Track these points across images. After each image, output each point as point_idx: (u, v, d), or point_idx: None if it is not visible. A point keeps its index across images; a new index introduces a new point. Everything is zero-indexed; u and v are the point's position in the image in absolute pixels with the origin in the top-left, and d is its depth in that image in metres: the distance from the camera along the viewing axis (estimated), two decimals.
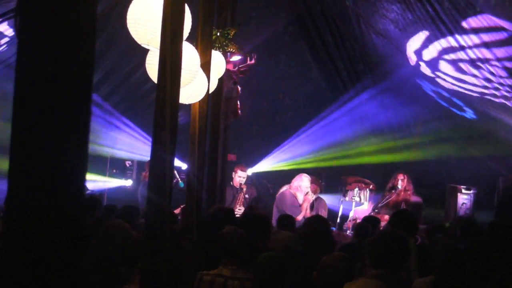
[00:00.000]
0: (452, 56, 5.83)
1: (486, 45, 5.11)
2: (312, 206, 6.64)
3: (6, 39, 5.82)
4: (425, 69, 6.87)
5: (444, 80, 6.67)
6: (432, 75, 6.86)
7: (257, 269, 2.70)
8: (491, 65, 5.40)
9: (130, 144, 8.71)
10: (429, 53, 6.17)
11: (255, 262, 2.73)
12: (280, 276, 2.66)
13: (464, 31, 5.14)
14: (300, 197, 6.57)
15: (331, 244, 3.75)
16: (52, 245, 1.23)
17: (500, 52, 5.12)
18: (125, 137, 8.61)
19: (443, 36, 5.51)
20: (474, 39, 5.14)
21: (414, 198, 6.81)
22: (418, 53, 6.43)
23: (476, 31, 4.99)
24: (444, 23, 5.24)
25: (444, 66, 6.23)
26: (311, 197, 6.61)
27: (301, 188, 6.60)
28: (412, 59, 6.75)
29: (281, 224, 4.66)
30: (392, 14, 6.00)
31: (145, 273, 2.44)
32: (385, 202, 6.85)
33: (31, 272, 1.21)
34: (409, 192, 6.82)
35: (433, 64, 6.42)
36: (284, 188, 6.77)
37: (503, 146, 7.41)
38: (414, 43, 6.26)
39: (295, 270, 3.06)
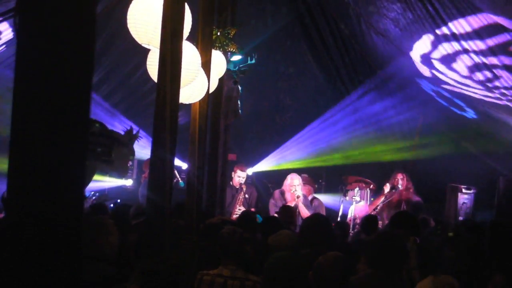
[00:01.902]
0: (455, 58, 5.81)
1: (491, 50, 5.09)
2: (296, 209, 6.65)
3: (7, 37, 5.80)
4: (426, 71, 6.85)
5: (448, 83, 6.65)
6: (430, 76, 6.83)
7: (269, 269, 2.66)
8: (494, 68, 5.39)
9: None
10: (434, 55, 6.13)
11: (267, 262, 2.69)
12: (292, 276, 2.63)
13: (466, 33, 5.13)
14: (288, 196, 6.63)
15: (332, 243, 3.73)
16: (52, 245, 1.23)
17: (502, 54, 5.11)
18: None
19: (446, 38, 5.50)
20: (477, 42, 5.13)
21: (415, 198, 6.81)
22: (425, 57, 6.38)
23: (478, 33, 4.97)
24: (445, 22, 5.24)
25: (447, 68, 6.21)
26: (296, 194, 6.59)
27: (287, 186, 6.71)
28: (417, 62, 6.72)
29: None
30: (393, 14, 6.00)
31: (145, 273, 2.43)
32: (386, 202, 6.85)
33: (31, 272, 1.21)
34: (411, 190, 6.83)
35: (435, 66, 6.40)
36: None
37: (504, 146, 7.40)
38: (420, 47, 6.21)
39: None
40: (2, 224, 1.24)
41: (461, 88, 6.56)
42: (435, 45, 5.87)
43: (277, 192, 6.89)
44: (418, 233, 4.02)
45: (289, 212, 5.45)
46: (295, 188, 6.61)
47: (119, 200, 7.20)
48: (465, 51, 5.46)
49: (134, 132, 3.56)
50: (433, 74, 6.73)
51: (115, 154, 3.34)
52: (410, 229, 3.79)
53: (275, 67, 9.20)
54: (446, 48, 5.72)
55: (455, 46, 5.52)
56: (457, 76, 6.25)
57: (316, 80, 9.28)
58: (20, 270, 1.21)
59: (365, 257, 2.96)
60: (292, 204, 6.51)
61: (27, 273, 1.21)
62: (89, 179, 3.37)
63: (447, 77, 6.49)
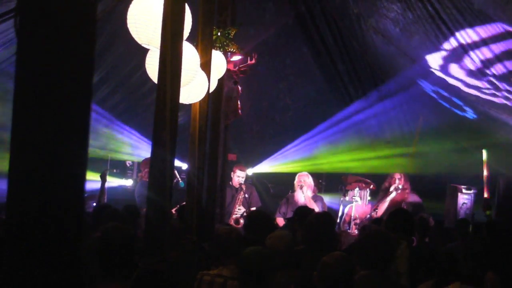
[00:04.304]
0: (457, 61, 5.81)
1: (494, 52, 5.09)
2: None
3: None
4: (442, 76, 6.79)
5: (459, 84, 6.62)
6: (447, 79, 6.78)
7: (243, 262, 2.74)
8: (496, 70, 5.38)
9: (130, 144, 8.71)
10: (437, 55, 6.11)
11: (241, 255, 2.77)
12: (266, 270, 2.70)
13: (466, 33, 5.13)
14: (297, 196, 6.67)
15: (335, 243, 3.72)
16: (52, 245, 1.23)
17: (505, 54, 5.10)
18: (125, 137, 8.62)
19: (444, 37, 5.50)
20: (478, 42, 5.12)
21: (414, 198, 6.81)
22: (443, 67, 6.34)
23: (480, 34, 4.97)
24: (444, 22, 5.24)
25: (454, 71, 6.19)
26: (300, 185, 6.71)
27: (296, 184, 6.82)
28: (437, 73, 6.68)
29: None
30: (392, 14, 5.99)
31: (145, 273, 2.44)
32: (384, 202, 6.84)
33: (31, 272, 1.21)
34: (407, 191, 6.83)
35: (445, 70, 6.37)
36: None
37: (503, 146, 7.40)
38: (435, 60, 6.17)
39: (299, 269, 3.06)
40: (2, 225, 1.24)
41: (461, 86, 6.56)
42: (437, 46, 5.87)
43: (289, 195, 6.95)
44: (413, 234, 3.99)
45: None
46: (302, 183, 6.70)
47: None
48: (466, 52, 5.46)
49: None
50: (435, 74, 6.72)
51: None
52: (405, 231, 3.74)
53: (275, 67, 9.20)
54: (447, 48, 5.73)
55: (457, 48, 5.52)
56: (459, 77, 6.25)
57: (316, 80, 9.28)
58: (20, 270, 1.21)
59: (356, 258, 2.97)
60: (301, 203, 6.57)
61: (27, 273, 1.21)
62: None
63: (448, 78, 6.49)
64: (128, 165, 9.18)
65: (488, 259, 2.93)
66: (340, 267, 2.61)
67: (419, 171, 7.92)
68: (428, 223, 4.88)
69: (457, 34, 5.22)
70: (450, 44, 5.54)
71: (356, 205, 7.19)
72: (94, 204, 6.00)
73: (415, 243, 4.01)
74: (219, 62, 4.46)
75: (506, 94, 5.81)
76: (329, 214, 4.01)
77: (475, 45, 5.18)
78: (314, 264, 2.74)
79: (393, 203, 6.72)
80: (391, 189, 6.85)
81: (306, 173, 6.96)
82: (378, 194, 7.34)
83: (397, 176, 6.91)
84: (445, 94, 7.41)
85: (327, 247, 3.29)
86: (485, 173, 6.64)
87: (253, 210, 5.49)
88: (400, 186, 6.82)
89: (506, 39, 4.77)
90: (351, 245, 4.41)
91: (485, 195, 6.53)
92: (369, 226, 4.87)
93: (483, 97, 6.38)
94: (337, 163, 8.90)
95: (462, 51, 5.48)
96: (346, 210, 7.15)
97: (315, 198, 6.76)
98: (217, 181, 5.13)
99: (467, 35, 5.13)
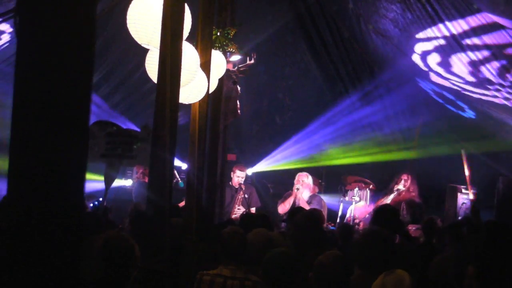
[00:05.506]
0: (453, 57, 5.82)
1: (487, 46, 5.10)
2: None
3: (7, 37, 5.80)
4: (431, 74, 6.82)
5: (446, 79, 6.65)
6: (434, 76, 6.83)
7: (268, 264, 2.68)
8: (492, 67, 5.39)
9: None
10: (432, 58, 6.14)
11: (265, 258, 2.71)
12: (291, 272, 2.64)
13: (464, 32, 5.14)
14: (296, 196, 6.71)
15: (323, 243, 3.62)
16: (52, 245, 1.23)
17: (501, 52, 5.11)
18: None
19: (443, 37, 5.51)
20: (475, 40, 5.13)
21: (415, 200, 6.81)
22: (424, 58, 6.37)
23: (476, 31, 4.98)
24: (443, 22, 5.24)
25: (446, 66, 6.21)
26: (296, 187, 6.72)
27: (294, 183, 6.81)
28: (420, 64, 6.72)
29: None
30: (392, 14, 6.00)
31: (145, 273, 2.44)
32: (385, 202, 6.84)
33: (31, 272, 1.21)
34: (413, 194, 6.82)
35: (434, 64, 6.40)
36: None
37: (503, 146, 7.40)
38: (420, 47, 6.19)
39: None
40: (2, 224, 1.24)
41: (459, 87, 6.57)
42: (434, 45, 5.88)
43: (286, 194, 6.96)
44: (398, 232, 3.95)
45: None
46: (300, 184, 6.68)
47: (101, 199, 7.13)
48: (464, 50, 5.47)
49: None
50: (432, 73, 6.74)
51: (137, 149, 3.70)
52: (391, 226, 3.68)
53: (275, 67, 9.20)
54: (444, 48, 5.73)
55: (454, 46, 5.52)
56: (455, 77, 6.26)
57: (316, 80, 9.28)
58: (20, 270, 1.21)
59: (354, 258, 2.94)
60: (292, 200, 6.57)
61: (27, 273, 1.21)
62: (113, 178, 3.70)
63: (445, 78, 6.50)
64: None
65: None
66: (336, 267, 2.59)
67: (419, 172, 7.92)
68: (436, 224, 4.86)
69: (455, 34, 5.23)
70: (450, 43, 5.55)
71: (356, 205, 7.19)
72: (92, 204, 6.00)
73: (397, 240, 3.93)
74: (218, 62, 4.46)
75: (505, 94, 5.82)
76: (314, 212, 3.93)
77: (472, 42, 5.19)
78: (306, 263, 2.72)
79: (395, 203, 6.71)
80: (394, 189, 6.86)
81: (305, 173, 6.95)
82: (378, 194, 7.34)
83: (404, 177, 6.92)
84: (444, 93, 7.42)
85: (316, 246, 3.26)
86: (466, 173, 6.62)
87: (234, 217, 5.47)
88: (402, 188, 6.82)
89: (498, 29, 4.77)
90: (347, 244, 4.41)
91: (471, 196, 6.49)
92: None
93: (484, 98, 6.39)
94: (337, 161, 8.91)
95: (461, 50, 5.49)
96: (347, 212, 7.15)
97: (311, 198, 6.76)
98: (216, 181, 5.13)
99: (465, 34, 5.14)
